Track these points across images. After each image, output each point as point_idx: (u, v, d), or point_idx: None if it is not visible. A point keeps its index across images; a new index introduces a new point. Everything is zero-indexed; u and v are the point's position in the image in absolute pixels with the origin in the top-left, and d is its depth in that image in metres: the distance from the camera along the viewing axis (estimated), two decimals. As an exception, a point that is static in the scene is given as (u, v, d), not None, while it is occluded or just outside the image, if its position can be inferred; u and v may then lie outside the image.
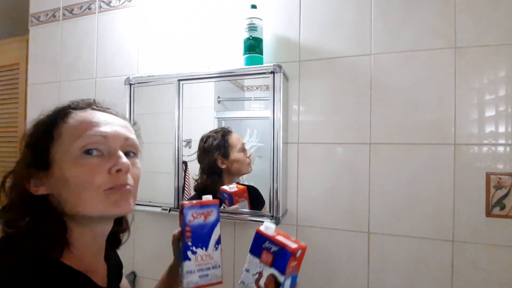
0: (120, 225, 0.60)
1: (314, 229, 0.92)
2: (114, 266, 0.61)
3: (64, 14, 1.27)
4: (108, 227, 0.53)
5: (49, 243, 0.44)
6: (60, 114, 0.48)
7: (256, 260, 0.54)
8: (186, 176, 1.00)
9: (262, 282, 0.53)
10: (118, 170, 0.46)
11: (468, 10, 0.79)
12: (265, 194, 0.89)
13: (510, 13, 0.76)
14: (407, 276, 0.83)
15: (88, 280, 0.47)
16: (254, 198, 0.92)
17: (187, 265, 0.60)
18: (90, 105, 0.52)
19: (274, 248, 0.52)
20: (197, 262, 0.60)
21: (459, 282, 0.79)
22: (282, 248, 0.52)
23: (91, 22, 1.22)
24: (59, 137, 0.46)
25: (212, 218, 0.62)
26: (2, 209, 0.47)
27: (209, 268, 0.61)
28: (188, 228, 0.60)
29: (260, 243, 0.54)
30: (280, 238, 0.53)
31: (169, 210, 0.98)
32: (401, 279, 0.84)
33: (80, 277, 0.46)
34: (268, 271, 0.52)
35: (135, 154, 0.52)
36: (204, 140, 0.95)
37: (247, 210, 0.91)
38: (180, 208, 0.61)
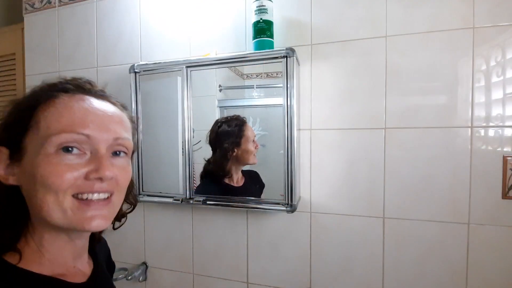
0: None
1: (328, 216, 0.91)
2: (104, 264, 0.55)
3: (60, 0, 1.21)
4: (87, 233, 0.46)
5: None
6: (43, 96, 0.40)
7: None
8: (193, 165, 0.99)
9: None
10: (99, 179, 0.38)
11: (487, -13, 0.77)
12: (267, 179, 0.92)
13: (531, -10, 0.74)
14: (422, 260, 0.84)
15: (58, 283, 0.41)
16: (253, 181, 0.95)
17: None
18: (82, 88, 0.43)
19: None
20: None
21: (474, 264, 0.79)
22: None
23: (90, 8, 1.16)
24: (35, 125, 0.38)
25: None
26: None
27: None
28: None
29: None
30: None
31: (181, 201, 0.96)
32: (416, 263, 0.84)
33: (46, 282, 0.40)
34: None
35: (126, 154, 0.44)
36: (219, 125, 0.95)
37: (261, 198, 0.91)
38: None
